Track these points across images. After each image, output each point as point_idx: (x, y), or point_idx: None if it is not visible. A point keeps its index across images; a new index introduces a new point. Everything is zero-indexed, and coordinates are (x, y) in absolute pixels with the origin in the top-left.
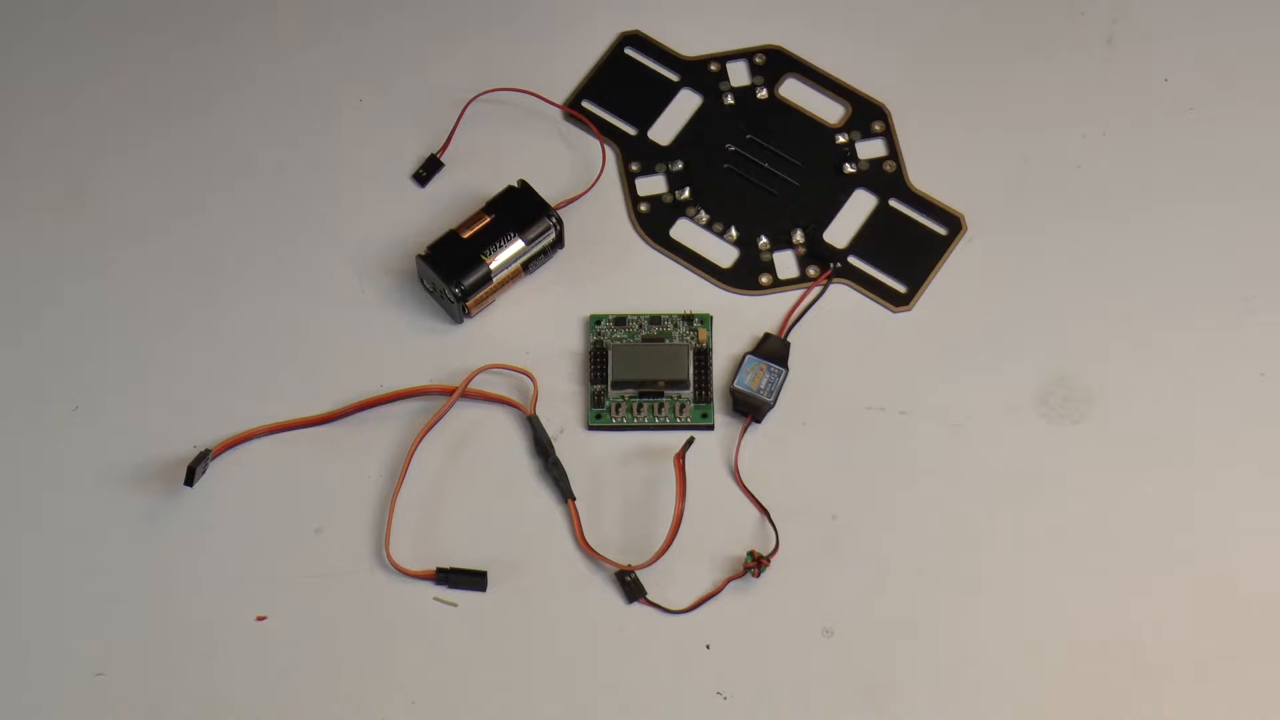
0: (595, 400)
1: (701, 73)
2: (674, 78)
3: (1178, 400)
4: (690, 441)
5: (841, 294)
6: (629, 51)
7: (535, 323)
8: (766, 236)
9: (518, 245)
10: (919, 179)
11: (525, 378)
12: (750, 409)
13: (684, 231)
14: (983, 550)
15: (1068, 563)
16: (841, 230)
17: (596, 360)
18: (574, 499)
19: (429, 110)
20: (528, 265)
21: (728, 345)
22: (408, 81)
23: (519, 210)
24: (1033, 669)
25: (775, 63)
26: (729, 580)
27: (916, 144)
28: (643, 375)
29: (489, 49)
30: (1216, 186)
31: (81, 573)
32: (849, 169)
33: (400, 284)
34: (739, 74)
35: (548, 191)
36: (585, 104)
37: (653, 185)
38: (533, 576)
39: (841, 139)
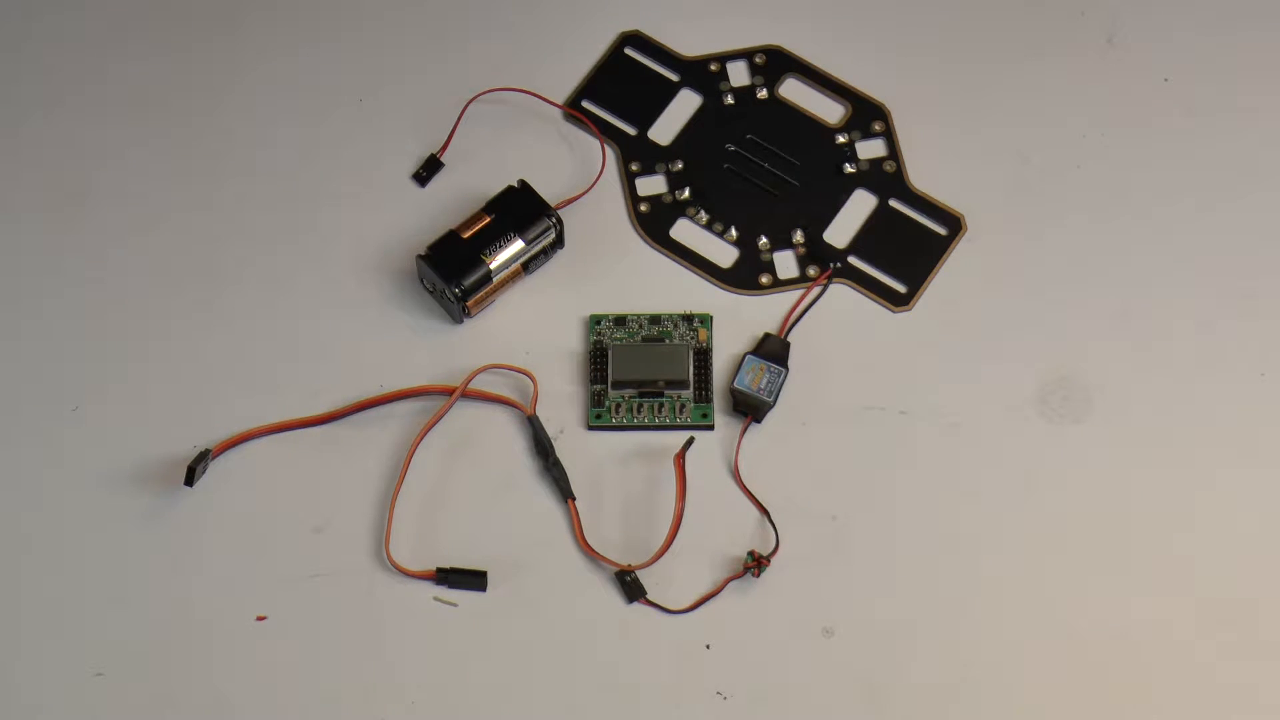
0: (595, 400)
1: (701, 73)
2: (674, 78)
3: (1178, 400)
4: (690, 441)
5: (841, 294)
6: (629, 51)
7: (535, 323)
8: (766, 236)
9: (518, 245)
10: (919, 179)
11: (525, 378)
12: (750, 409)
13: (684, 231)
14: (982, 550)
15: (1068, 563)
16: (841, 230)
17: (596, 360)
18: (574, 499)
19: (429, 110)
20: (528, 265)
21: (728, 345)
22: (408, 81)
23: (519, 210)
24: (1033, 669)
25: (775, 63)
26: (729, 580)
27: (916, 144)
28: (643, 375)
29: (489, 49)
30: (1216, 186)
31: (81, 573)
32: (849, 169)
33: (400, 284)
34: (739, 74)
35: (548, 191)
36: (585, 104)
37: (653, 185)
38: (533, 576)
39: (841, 139)
